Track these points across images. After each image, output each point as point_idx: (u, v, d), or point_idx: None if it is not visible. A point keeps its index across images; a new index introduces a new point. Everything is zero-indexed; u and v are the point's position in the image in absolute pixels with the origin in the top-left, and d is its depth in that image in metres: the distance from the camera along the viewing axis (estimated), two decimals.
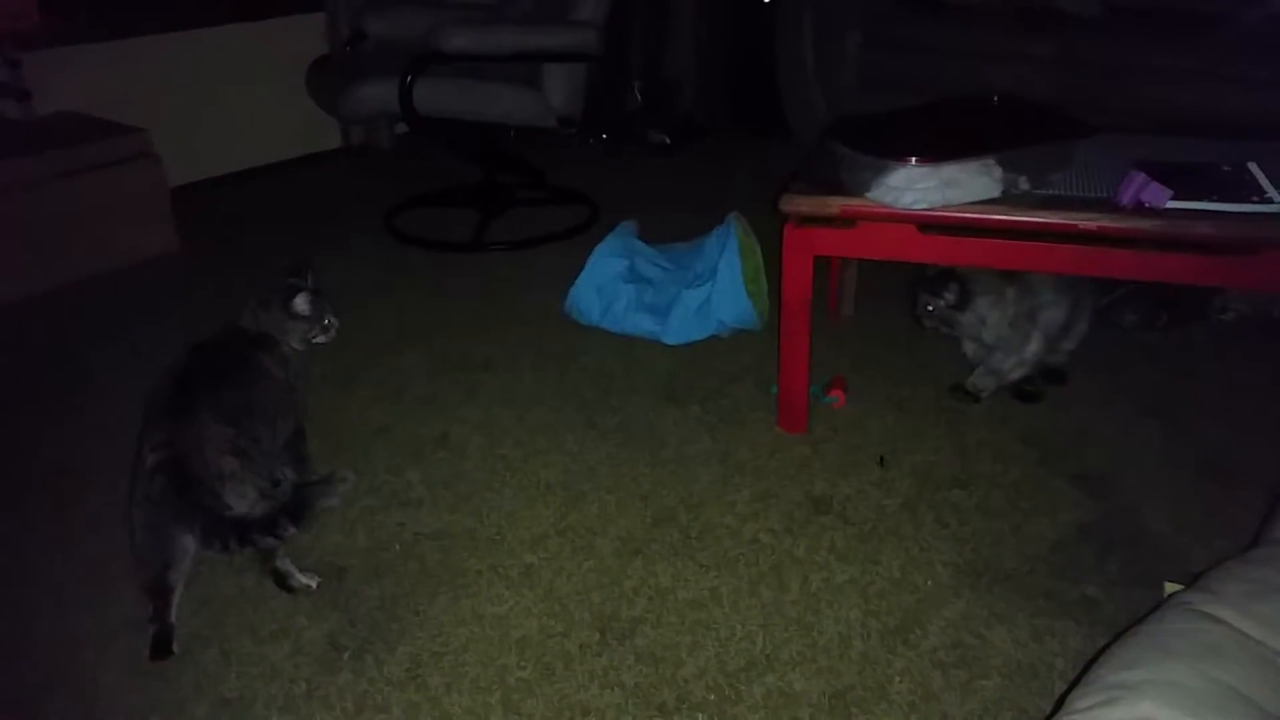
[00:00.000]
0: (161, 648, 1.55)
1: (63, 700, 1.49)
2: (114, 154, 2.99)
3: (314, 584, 1.69)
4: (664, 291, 2.56)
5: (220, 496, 1.58)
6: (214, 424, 1.61)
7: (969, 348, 2.20)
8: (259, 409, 1.73)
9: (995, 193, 1.83)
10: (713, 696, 1.47)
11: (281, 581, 1.68)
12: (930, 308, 2.10)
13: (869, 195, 1.84)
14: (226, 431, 1.62)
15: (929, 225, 1.88)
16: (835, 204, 1.89)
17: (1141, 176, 1.80)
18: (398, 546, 1.80)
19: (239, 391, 1.71)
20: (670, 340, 2.48)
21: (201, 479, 1.56)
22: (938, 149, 1.80)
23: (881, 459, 2.02)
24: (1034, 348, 2.13)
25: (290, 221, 3.45)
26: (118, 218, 3.00)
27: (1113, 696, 0.85)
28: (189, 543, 1.59)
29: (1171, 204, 1.78)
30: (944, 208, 1.82)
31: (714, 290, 2.46)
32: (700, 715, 1.44)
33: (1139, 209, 1.80)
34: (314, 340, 1.87)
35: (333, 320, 1.89)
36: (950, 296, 2.08)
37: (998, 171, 1.83)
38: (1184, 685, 0.83)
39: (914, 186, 1.79)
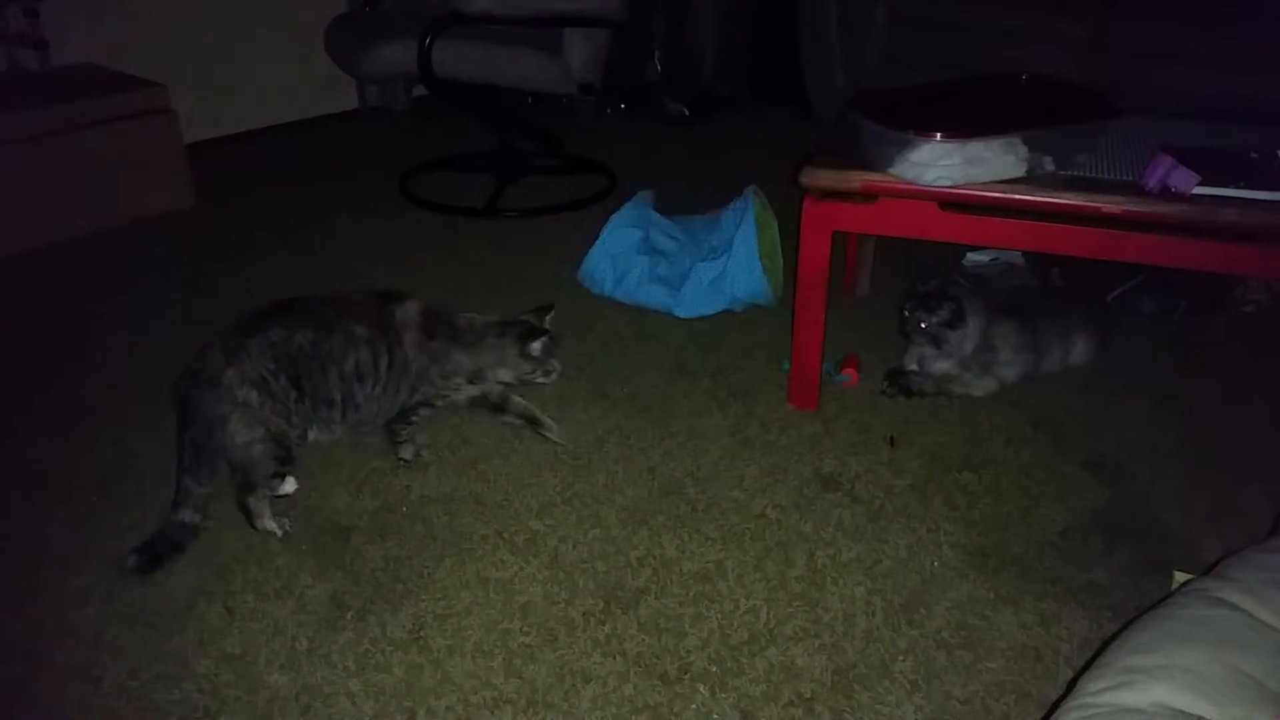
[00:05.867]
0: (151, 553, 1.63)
1: (66, 654, 1.49)
2: (130, 108, 2.97)
3: (279, 531, 1.71)
4: (678, 264, 2.54)
5: (226, 419, 1.63)
6: (254, 354, 1.67)
7: (944, 365, 2.13)
8: (333, 374, 1.76)
9: (1020, 172, 1.80)
10: (714, 668, 1.47)
11: (247, 517, 1.71)
12: (923, 324, 2.07)
13: (891, 170, 1.82)
14: (264, 364, 1.66)
15: (950, 203, 1.85)
16: (857, 178, 1.86)
17: (1169, 160, 1.77)
18: (404, 509, 1.80)
19: (305, 342, 1.73)
20: (683, 313, 2.46)
21: (202, 407, 1.64)
22: (963, 125, 1.77)
23: (892, 439, 2.01)
24: (987, 385, 2.14)
25: (305, 181, 3.43)
26: (132, 172, 2.98)
27: (1127, 680, 0.83)
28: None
29: (1198, 189, 1.75)
30: (967, 185, 1.79)
31: (729, 264, 2.43)
32: (701, 686, 1.43)
33: (1165, 193, 1.77)
34: (533, 380, 1.93)
35: (555, 365, 1.94)
36: (944, 314, 2.06)
37: (1023, 150, 1.80)
38: (1200, 672, 0.82)
39: (938, 163, 1.76)
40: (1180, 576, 1.54)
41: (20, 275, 2.71)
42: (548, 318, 1.95)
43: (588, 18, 2.94)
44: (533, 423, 1.93)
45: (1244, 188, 1.77)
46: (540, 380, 1.93)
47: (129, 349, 2.32)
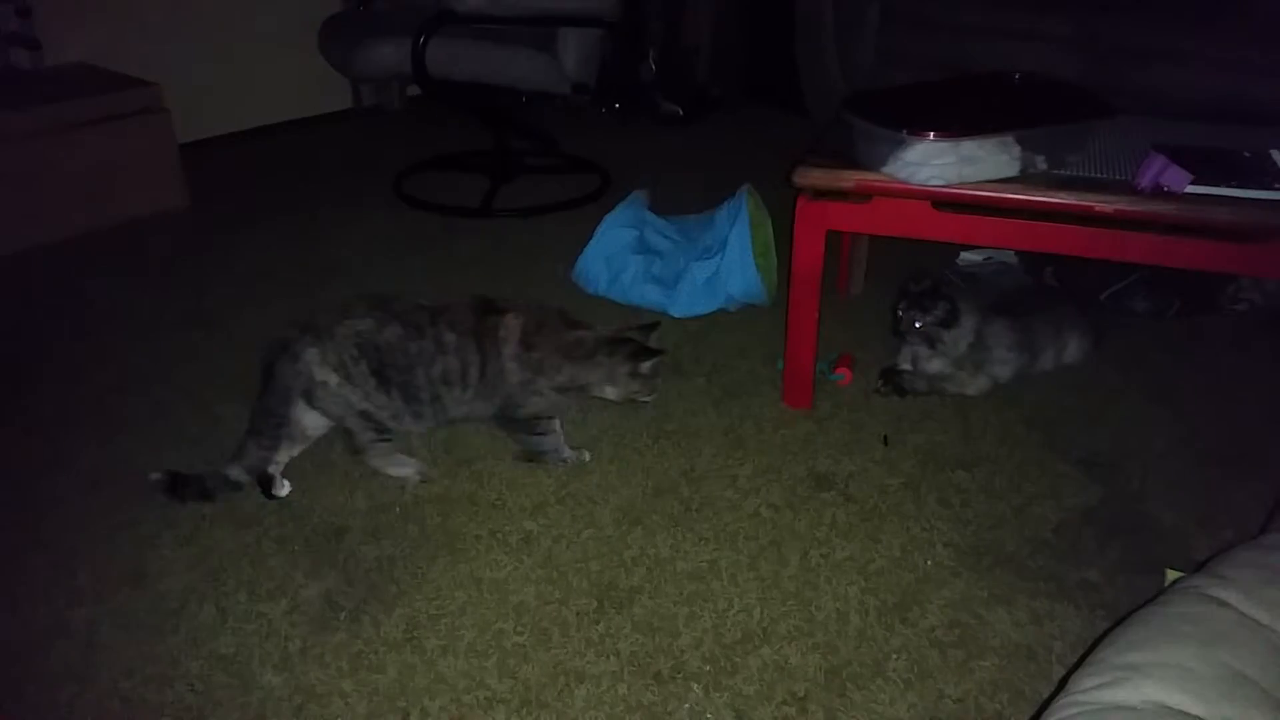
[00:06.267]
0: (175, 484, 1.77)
1: (59, 655, 1.48)
2: (123, 107, 2.97)
3: (416, 476, 1.84)
4: (672, 263, 2.54)
5: (310, 394, 1.76)
6: (338, 339, 1.75)
7: (937, 364, 2.13)
8: (420, 375, 1.80)
9: (1013, 171, 1.81)
10: (708, 667, 1.46)
11: (264, 486, 1.81)
12: (918, 323, 2.07)
13: (885, 170, 1.82)
14: (346, 350, 1.75)
15: (944, 203, 1.85)
16: (850, 178, 1.86)
17: (1161, 159, 1.78)
18: (398, 509, 1.80)
19: (392, 337, 1.78)
20: (677, 312, 2.46)
21: (279, 376, 1.75)
22: (956, 124, 1.77)
23: (886, 438, 2.01)
24: (980, 384, 2.14)
25: (299, 181, 3.43)
26: (126, 172, 2.98)
27: (1118, 678, 0.83)
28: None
29: (1190, 188, 1.76)
30: (960, 185, 1.79)
31: (723, 263, 2.43)
32: (695, 685, 1.43)
33: (1158, 192, 1.77)
34: (638, 399, 1.92)
35: (658, 384, 1.94)
36: (940, 313, 2.06)
37: (1016, 150, 1.80)
38: (1191, 669, 0.82)
39: (931, 162, 1.76)
40: (1173, 574, 1.54)
41: (13, 274, 2.71)
42: (654, 336, 1.93)
43: (581, 17, 2.94)
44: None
45: (1237, 187, 1.77)
46: (644, 400, 1.93)
47: (122, 349, 2.31)
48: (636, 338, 1.89)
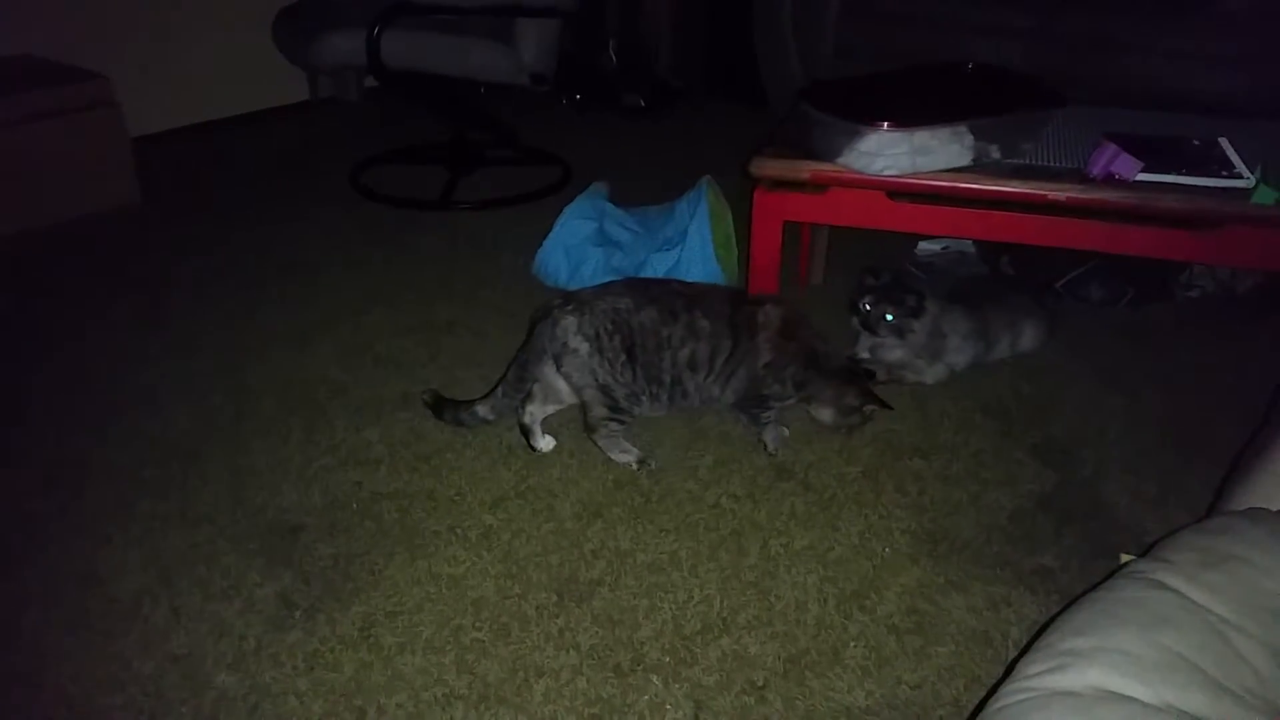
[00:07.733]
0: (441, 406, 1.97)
1: (7, 659, 1.46)
2: (73, 100, 2.91)
3: (634, 463, 1.87)
4: (633, 255, 2.53)
5: (559, 358, 1.86)
6: (597, 313, 1.85)
7: (897, 353, 2.15)
8: (666, 358, 1.88)
9: (966, 161, 1.82)
10: (668, 659, 1.47)
11: (525, 436, 1.93)
12: (888, 316, 2.07)
13: (840, 160, 1.83)
14: (602, 324, 1.84)
15: (899, 192, 1.86)
16: (806, 168, 1.87)
17: (1112, 148, 1.80)
18: (355, 505, 1.78)
19: (647, 320, 1.87)
20: None
21: (538, 335, 1.87)
22: (910, 115, 1.79)
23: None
24: (937, 372, 2.16)
25: (255, 174, 3.38)
26: (76, 167, 2.92)
27: (1063, 663, 0.84)
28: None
29: (1141, 176, 1.78)
30: (914, 175, 1.81)
31: (683, 255, 2.43)
32: (655, 677, 1.43)
33: (1109, 180, 1.79)
34: (839, 430, 1.96)
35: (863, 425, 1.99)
36: (910, 305, 2.06)
37: (969, 139, 1.82)
38: (1133, 653, 0.83)
39: (885, 152, 1.77)
40: (1126, 558, 1.55)
41: None
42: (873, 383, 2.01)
43: (538, 8, 2.92)
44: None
45: (1186, 174, 1.80)
46: (843, 432, 1.97)
47: (72, 349, 2.27)
48: (864, 377, 1.96)
